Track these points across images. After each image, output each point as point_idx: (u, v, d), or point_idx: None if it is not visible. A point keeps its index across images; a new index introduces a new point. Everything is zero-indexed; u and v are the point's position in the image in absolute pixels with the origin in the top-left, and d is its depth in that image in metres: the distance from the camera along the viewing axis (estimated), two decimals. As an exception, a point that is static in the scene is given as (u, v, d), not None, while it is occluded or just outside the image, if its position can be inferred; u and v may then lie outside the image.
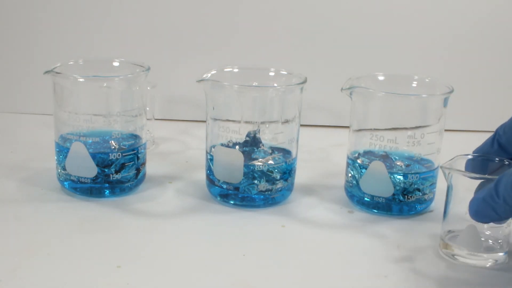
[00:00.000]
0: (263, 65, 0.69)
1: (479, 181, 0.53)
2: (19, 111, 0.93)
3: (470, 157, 0.56)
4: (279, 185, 0.64)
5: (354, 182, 0.64)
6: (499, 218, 0.50)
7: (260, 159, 0.63)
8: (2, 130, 0.87)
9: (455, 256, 0.55)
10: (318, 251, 0.57)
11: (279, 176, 0.64)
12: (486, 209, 0.49)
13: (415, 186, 0.62)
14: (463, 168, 0.56)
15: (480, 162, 0.56)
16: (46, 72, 0.62)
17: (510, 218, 0.53)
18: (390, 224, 0.62)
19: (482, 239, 0.54)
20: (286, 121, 0.64)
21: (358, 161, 0.64)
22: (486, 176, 0.53)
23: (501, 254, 0.55)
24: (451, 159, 0.56)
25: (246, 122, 0.63)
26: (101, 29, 0.90)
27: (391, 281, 0.52)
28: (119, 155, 0.64)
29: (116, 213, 0.62)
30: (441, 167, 0.55)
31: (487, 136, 0.59)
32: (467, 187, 0.53)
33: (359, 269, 0.54)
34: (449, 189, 0.55)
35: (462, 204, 0.54)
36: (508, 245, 0.55)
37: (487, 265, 0.54)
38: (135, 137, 0.66)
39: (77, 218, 0.61)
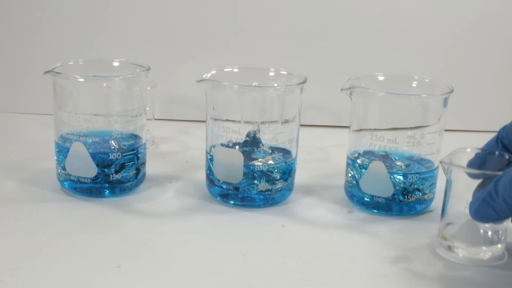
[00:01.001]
0: (263, 65, 0.69)
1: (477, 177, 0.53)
2: (19, 111, 0.93)
3: (468, 150, 0.56)
4: (279, 185, 0.64)
5: (354, 182, 0.64)
6: (499, 217, 0.50)
7: (260, 159, 0.63)
8: (2, 130, 0.87)
9: (453, 249, 0.55)
10: (318, 251, 0.57)
11: (279, 176, 0.64)
12: (486, 209, 0.49)
13: (415, 186, 0.62)
14: (462, 162, 0.55)
15: (482, 160, 0.56)
16: (46, 72, 0.62)
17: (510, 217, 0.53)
18: (390, 224, 0.62)
19: (481, 231, 0.54)
20: (286, 121, 0.64)
21: (358, 161, 0.64)
22: (485, 172, 0.53)
23: (499, 246, 0.54)
24: (450, 153, 0.55)
25: (246, 122, 0.63)
26: (101, 29, 0.90)
27: (391, 281, 0.52)
28: (119, 155, 0.64)
29: (116, 213, 0.62)
30: (440, 162, 0.54)
31: (487, 136, 0.59)
32: (466, 182, 0.53)
33: (359, 269, 0.54)
34: (448, 184, 0.55)
35: (461, 198, 0.54)
36: (507, 238, 0.55)
37: (485, 258, 0.54)
38: (135, 137, 0.66)
39: (77, 218, 0.61)
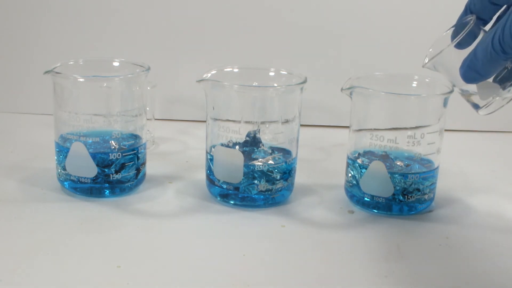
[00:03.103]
0: (263, 65, 0.69)
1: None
2: (19, 111, 0.93)
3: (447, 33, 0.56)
4: (279, 185, 0.64)
5: (354, 182, 0.64)
6: (483, 78, 0.51)
7: (260, 159, 0.63)
8: (2, 130, 0.87)
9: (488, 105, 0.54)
10: (318, 251, 0.57)
11: (279, 176, 0.64)
12: (471, 73, 0.51)
13: (415, 186, 0.62)
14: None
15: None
16: (46, 72, 0.62)
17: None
18: (390, 224, 0.62)
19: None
20: (286, 121, 0.64)
21: (358, 161, 0.64)
22: (464, 31, 0.53)
23: None
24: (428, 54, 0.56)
25: (246, 122, 0.63)
26: (101, 29, 0.90)
27: (391, 281, 0.52)
28: (119, 155, 0.64)
29: (116, 213, 0.62)
30: (424, 65, 0.55)
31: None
32: (457, 58, 0.53)
33: (359, 269, 0.54)
34: (444, 71, 0.55)
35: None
36: None
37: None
38: (135, 137, 0.66)
39: (77, 218, 0.61)
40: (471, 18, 0.54)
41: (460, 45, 0.54)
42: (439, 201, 0.67)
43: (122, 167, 0.64)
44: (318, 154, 0.82)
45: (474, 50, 0.50)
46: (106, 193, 0.65)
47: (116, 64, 0.68)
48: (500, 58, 0.48)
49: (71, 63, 0.67)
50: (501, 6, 0.54)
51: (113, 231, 0.59)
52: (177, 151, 0.81)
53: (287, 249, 0.57)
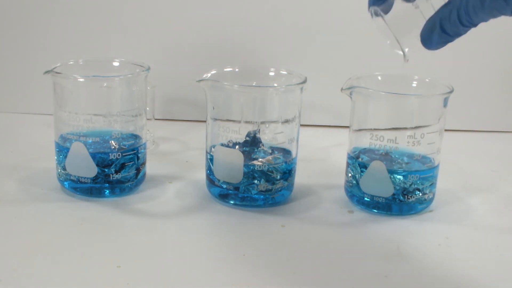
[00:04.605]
0: (263, 65, 0.68)
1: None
2: (19, 111, 0.93)
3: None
4: (279, 185, 0.64)
5: (354, 182, 0.64)
6: (451, 38, 0.51)
7: (260, 159, 0.63)
8: (2, 130, 0.87)
9: None
10: (318, 251, 0.57)
11: (279, 176, 0.64)
12: (443, 44, 0.52)
13: (415, 186, 0.62)
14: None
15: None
16: (46, 72, 0.62)
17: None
18: (390, 224, 0.62)
19: None
20: (286, 121, 0.64)
21: (359, 160, 0.64)
22: None
23: None
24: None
25: (246, 122, 0.63)
26: (101, 29, 0.90)
27: (391, 281, 0.52)
28: (119, 155, 0.64)
29: (116, 213, 0.62)
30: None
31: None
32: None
33: (359, 269, 0.54)
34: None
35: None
36: None
37: None
38: (135, 137, 0.66)
39: (77, 218, 0.61)
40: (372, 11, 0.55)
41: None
42: (439, 201, 0.67)
43: (122, 167, 0.64)
44: (318, 154, 0.82)
45: (442, 28, 0.50)
46: (106, 193, 0.65)
47: (116, 64, 0.68)
48: (472, 27, 0.49)
49: (71, 63, 0.66)
50: None
51: (113, 231, 0.59)
52: (177, 151, 0.81)
53: (287, 249, 0.57)
